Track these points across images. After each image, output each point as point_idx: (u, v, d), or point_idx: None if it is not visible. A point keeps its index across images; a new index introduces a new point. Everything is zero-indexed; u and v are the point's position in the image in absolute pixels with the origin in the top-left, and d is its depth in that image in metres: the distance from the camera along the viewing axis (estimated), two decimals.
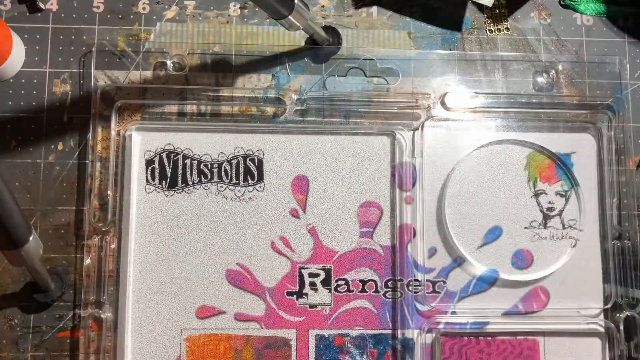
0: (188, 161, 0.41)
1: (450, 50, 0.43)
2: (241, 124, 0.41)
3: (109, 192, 0.40)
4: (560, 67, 0.42)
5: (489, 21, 0.43)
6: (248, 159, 0.41)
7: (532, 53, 0.43)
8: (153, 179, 0.41)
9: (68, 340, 0.39)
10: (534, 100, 0.42)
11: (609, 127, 0.42)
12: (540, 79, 0.42)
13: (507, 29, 0.43)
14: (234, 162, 0.41)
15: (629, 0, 0.43)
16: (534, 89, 0.42)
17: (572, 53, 0.43)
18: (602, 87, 0.42)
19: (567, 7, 0.44)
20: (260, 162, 0.41)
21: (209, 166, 0.41)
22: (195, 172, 0.41)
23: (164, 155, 0.41)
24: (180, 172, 0.41)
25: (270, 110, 0.41)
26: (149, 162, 0.41)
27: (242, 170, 0.41)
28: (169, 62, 0.42)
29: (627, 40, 0.43)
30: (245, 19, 0.43)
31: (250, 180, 0.41)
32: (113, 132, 0.40)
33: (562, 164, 0.42)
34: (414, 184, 0.41)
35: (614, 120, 0.42)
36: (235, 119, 0.41)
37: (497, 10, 0.43)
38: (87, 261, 0.39)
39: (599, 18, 0.44)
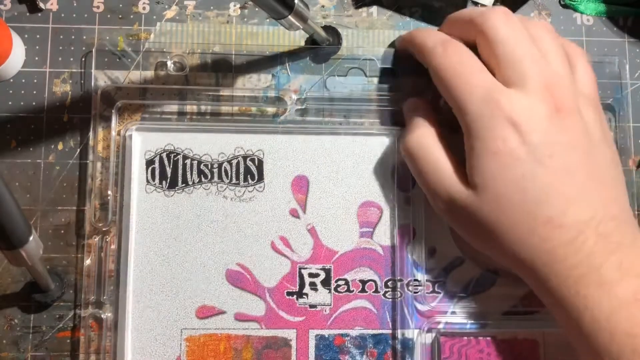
0: (188, 161, 0.41)
1: None
2: (241, 124, 0.41)
3: (109, 192, 0.40)
4: None
5: None
6: (248, 159, 0.41)
7: None
8: (153, 179, 0.41)
9: (68, 340, 0.39)
10: None
11: (609, 127, 0.42)
12: None
13: None
14: (234, 162, 0.41)
15: (629, 0, 0.43)
16: None
17: None
18: (602, 87, 0.42)
19: (567, 7, 0.44)
20: (260, 162, 0.41)
21: (209, 166, 0.41)
22: (195, 172, 0.41)
23: (164, 155, 0.41)
24: (180, 172, 0.41)
25: (270, 110, 0.41)
26: (149, 162, 0.41)
27: (242, 170, 0.41)
28: (169, 62, 0.42)
29: (627, 40, 0.43)
30: (245, 19, 0.43)
31: (250, 181, 0.41)
32: (113, 133, 0.40)
33: None
34: (414, 184, 0.41)
35: (614, 120, 0.42)
36: (235, 119, 0.41)
37: None
38: (87, 261, 0.39)
39: (599, 18, 0.43)
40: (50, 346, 0.39)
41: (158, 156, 0.41)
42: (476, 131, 0.33)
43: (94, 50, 0.41)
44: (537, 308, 0.40)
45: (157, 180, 0.41)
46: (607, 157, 0.34)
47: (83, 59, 0.42)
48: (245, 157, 0.41)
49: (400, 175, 0.41)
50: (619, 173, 0.35)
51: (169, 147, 0.41)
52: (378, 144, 0.41)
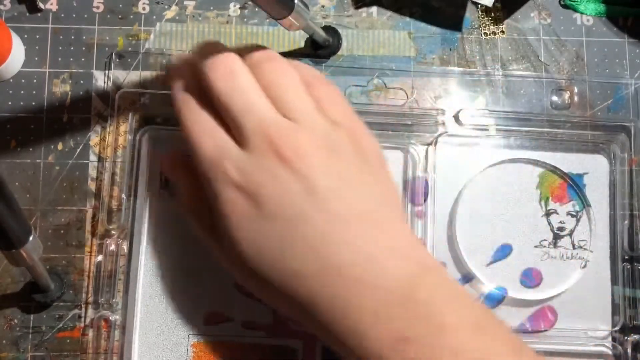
0: None
1: (450, 50, 0.43)
2: None
3: (123, 196, 0.40)
4: (576, 89, 0.42)
5: (486, 21, 0.43)
6: None
7: (540, 65, 0.43)
8: (167, 184, 0.41)
9: (68, 340, 0.39)
10: (548, 119, 0.42)
11: (622, 149, 0.42)
12: (555, 98, 0.42)
13: (503, 32, 0.43)
14: None
15: (629, 0, 0.43)
16: (551, 107, 0.42)
17: (572, 53, 0.43)
18: (602, 87, 0.42)
19: (567, 7, 0.43)
20: None
21: None
22: None
23: None
24: None
25: None
26: None
27: None
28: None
29: (627, 40, 0.43)
30: (245, 19, 0.43)
31: None
32: (129, 136, 0.40)
33: (574, 184, 0.42)
34: (425, 199, 0.41)
35: (627, 142, 0.41)
36: None
37: (493, 14, 0.43)
38: (98, 263, 0.39)
39: (599, 18, 0.43)
40: (50, 346, 0.39)
41: None
42: (208, 191, 0.32)
43: (94, 50, 0.42)
44: (544, 327, 0.40)
45: (171, 185, 0.41)
46: (373, 191, 0.32)
47: (83, 59, 0.42)
48: None
49: (412, 190, 0.41)
50: (389, 192, 0.33)
51: (184, 152, 0.41)
52: (391, 158, 0.41)
